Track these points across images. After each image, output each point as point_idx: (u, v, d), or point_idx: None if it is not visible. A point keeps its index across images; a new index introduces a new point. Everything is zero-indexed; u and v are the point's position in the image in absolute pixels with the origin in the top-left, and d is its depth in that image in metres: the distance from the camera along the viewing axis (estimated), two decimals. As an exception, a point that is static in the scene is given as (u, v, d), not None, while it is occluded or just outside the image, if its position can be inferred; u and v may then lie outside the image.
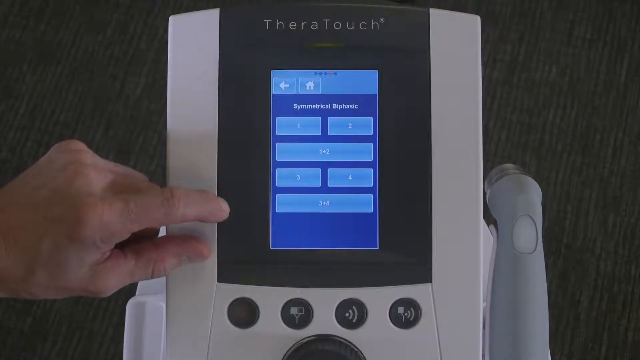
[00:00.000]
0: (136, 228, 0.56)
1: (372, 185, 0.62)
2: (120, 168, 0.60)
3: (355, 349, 0.61)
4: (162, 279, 0.61)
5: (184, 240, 0.60)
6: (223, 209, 0.59)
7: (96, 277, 0.56)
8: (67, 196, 0.55)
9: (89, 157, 0.58)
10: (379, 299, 0.61)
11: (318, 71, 0.63)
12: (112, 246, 0.56)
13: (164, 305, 0.64)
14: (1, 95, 1.45)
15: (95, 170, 0.57)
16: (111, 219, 0.55)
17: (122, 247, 0.58)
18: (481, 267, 0.61)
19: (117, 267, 0.57)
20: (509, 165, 0.64)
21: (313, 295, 0.61)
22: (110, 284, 0.57)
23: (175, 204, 0.56)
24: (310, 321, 0.61)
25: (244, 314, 0.61)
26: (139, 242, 0.59)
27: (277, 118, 0.62)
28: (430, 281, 0.61)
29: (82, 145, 0.59)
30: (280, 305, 0.61)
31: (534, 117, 1.43)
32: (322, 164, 0.62)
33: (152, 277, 0.59)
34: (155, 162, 1.42)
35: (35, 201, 0.56)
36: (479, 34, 0.62)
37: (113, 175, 0.58)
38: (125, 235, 0.56)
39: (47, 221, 0.55)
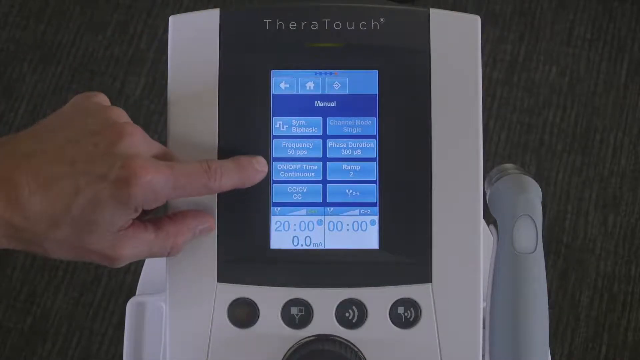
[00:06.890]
0: (176, 196, 0.56)
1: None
2: None
3: (355, 349, 0.61)
4: (162, 279, 0.61)
5: (197, 213, 0.60)
6: (258, 170, 0.59)
7: (117, 243, 0.55)
8: (112, 154, 0.54)
9: (125, 115, 0.57)
10: (379, 299, 0.61)
11: (318, 71, 0.63)
12: (139, 213, 0.56)
13: (164, 305, 0.64)
14: (1, 95, 1.45)
15: (141, 132, 0.56)
16: (158, 184, 0.54)
17: (140, 219, 0.57)
18: (481, 267, 0.61)
19: (138, 237, 0.56)
20: (509, 165, 0.64)
21: (313, 295, 0.61)
22: (129, 252, 0.56)
23: (213, 176, 0.57)
24: (310, 321, 0.61)
25: (244, 314, 0.61)
26: (157, 217, 0.58)
27: (277, 118, 0.62)
28: (430, 281, 0.61)
29: (108, 100, 0.58)
30: (280, 305, 0.61)
31: (534, 117, 1.43)
32: (322, 163, 0.62)
33: (168, 254, 0.58)
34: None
35: (71, 154, 0.54)
36: (479, 34, 0.62)
37: (152, 140, 0.57)
38: (162, 203, 0.56)
39: (87, 177, 0.53)
